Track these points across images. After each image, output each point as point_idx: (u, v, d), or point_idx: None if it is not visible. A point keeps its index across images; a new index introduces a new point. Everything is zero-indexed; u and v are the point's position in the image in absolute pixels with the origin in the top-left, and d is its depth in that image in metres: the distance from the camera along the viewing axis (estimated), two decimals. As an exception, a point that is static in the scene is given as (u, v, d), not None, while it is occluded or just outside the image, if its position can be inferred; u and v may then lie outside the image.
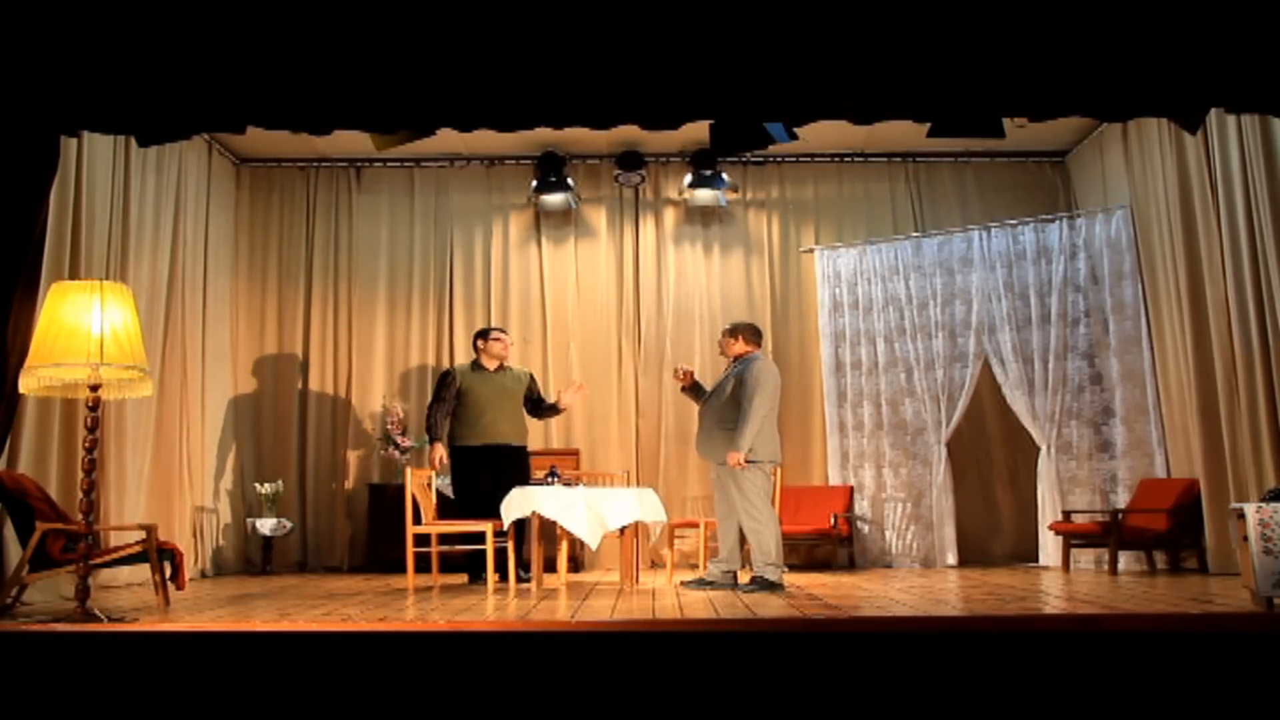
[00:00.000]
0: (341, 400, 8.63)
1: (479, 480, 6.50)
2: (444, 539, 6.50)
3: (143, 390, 4.63)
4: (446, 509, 7.07)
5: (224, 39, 3.80)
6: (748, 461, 5.79)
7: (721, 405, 5.96)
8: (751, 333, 6.18)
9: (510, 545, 6.17)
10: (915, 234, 8.50)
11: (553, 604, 5.14)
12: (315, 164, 8.85)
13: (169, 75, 3.83)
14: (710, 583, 6.04)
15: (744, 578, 6.09)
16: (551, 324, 8.74)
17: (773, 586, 5.72)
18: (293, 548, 8.33)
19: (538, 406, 6.96)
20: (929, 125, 4.45)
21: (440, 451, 6.58)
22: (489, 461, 6.57)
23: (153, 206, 7.21)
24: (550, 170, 8.55)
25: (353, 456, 8.52)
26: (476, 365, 6.79)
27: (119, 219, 6.68)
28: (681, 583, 6.23)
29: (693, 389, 6.28)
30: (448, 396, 6.65)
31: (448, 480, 8.04)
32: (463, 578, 6.74)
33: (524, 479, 6.46)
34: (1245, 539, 4.43)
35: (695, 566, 6.72)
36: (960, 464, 8.23)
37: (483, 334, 6.89)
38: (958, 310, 8.14)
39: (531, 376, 7.00)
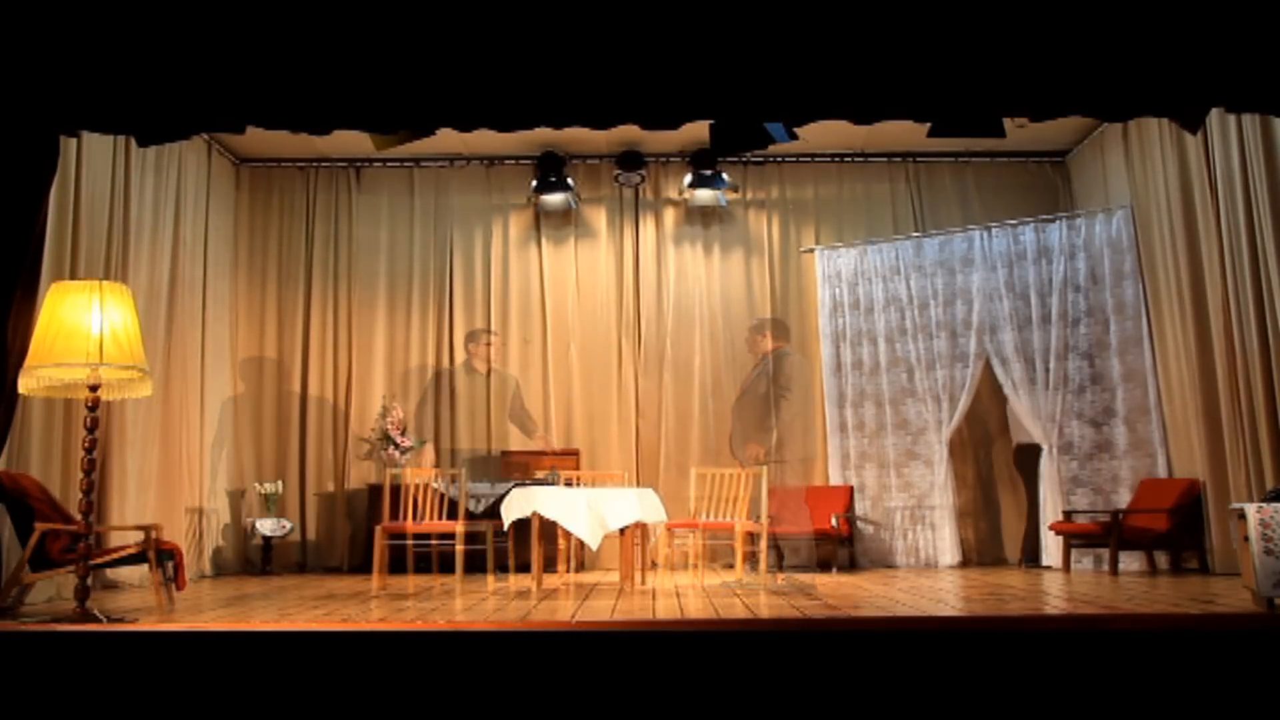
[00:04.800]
0: (341, 400, 8.63)
1: None
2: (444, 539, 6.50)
3: (142, 390, 4.63)
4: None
5: (223, 39, 3.80)
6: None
7: (755, 403, 5.88)
8: (780, 327, 6.15)
9: (511, 545, 6.17)
10: (916, 234, 8.50)
11: (553, 604, 5.14)
12: (315, 164, 8.85)
13: (169, 75, 3.83)
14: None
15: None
16: (551, 324, 8.74)
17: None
18: (293, 548, 8.33)
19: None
20: (929, 125, 4.45)
21: None
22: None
23: (152, 206, 7.21)
24: (550, 170, 8.55)
25: (353, 456, 8.51)
26: None
27: (118, 219, 6.68)
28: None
29: None
30: None
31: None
32: (462, 578, 6.72)
33: None
34: (1246, 539, 4.43)
35: (694, 567, 6.71)
36: (961, 464, 8.23)
37: None
38: (958, 310, 8.13)
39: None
